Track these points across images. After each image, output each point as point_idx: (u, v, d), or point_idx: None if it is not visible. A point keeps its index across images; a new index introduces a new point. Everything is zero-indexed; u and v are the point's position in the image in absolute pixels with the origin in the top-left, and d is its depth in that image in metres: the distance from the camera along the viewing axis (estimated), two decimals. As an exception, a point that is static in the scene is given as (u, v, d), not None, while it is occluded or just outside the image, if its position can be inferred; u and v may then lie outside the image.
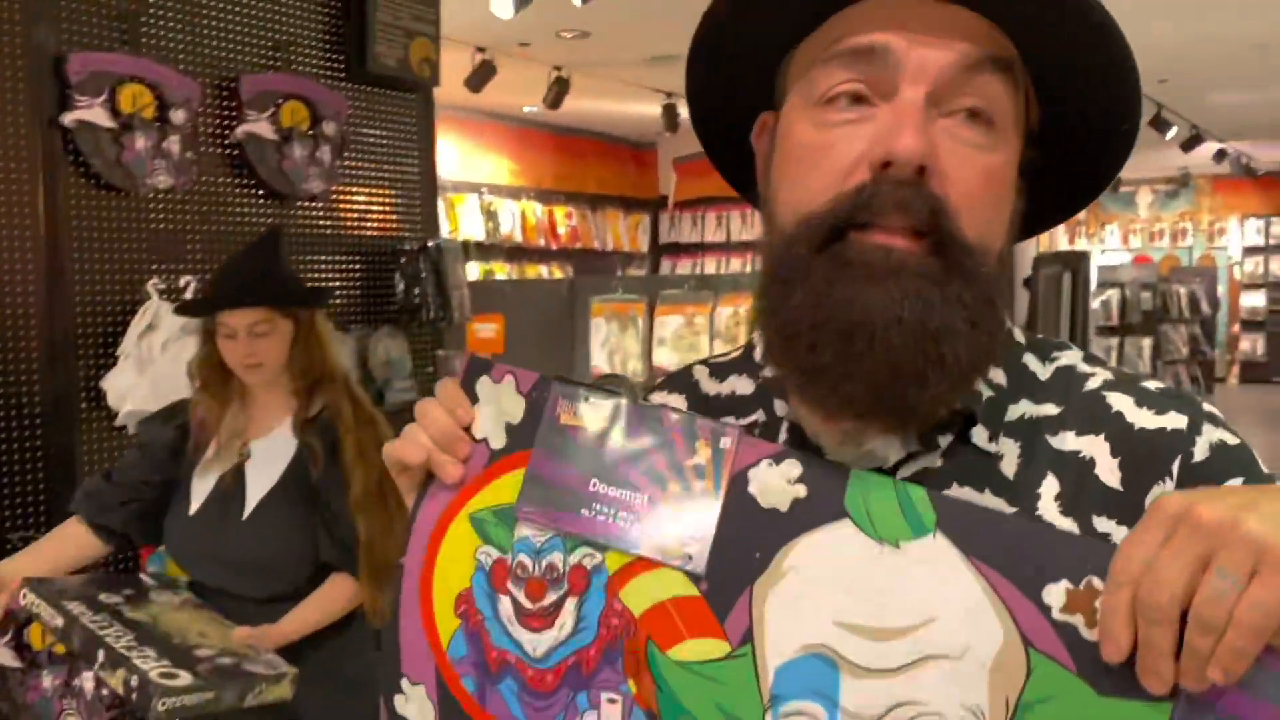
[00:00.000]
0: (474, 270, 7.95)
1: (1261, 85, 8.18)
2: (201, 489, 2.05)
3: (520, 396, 0.77)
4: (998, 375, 0.78)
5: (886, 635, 0.66)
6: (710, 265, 9.95)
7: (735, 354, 0.92)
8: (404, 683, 0.81)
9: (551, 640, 0.74)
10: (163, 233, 2.65)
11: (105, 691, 1.68)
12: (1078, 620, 0.63)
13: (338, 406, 2.07)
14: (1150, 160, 11.21)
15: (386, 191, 3.21)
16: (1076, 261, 8.16)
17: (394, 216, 3.23)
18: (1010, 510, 0.74)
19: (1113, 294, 9.17)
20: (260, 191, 2.84)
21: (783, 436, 0.79)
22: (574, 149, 9.66)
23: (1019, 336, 0.81)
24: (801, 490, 0.70)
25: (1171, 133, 8.62)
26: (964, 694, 0.64)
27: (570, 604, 0.74)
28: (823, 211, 0.71)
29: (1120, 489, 0.73)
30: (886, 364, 0.68)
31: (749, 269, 8.37)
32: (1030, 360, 0.80)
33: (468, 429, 0.77)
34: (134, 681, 1.60)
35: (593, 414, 0.75)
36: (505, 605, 0.76)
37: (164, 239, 2.65)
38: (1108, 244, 13.40)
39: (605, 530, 0.73)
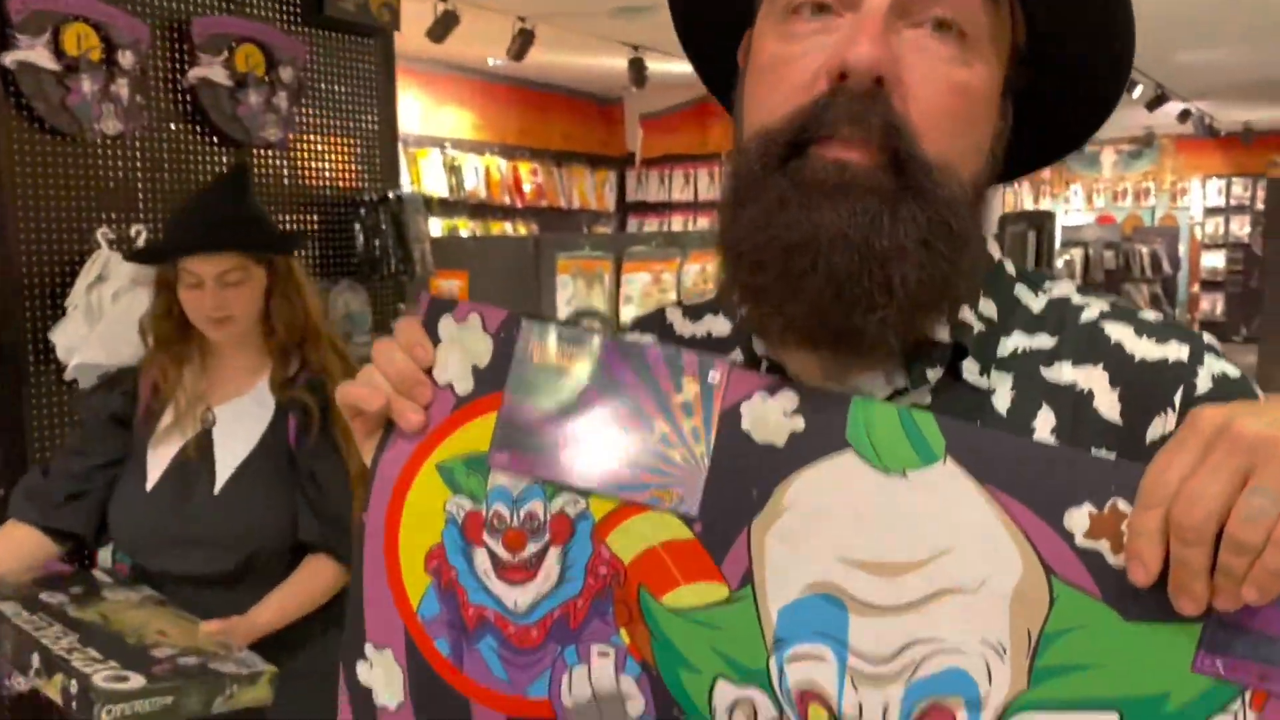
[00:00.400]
0: (437, 227, 7.83)
1: (1228, 43, 8.19)
2: (158, 462, 1.81)
3: (487, 336, 0.71)
4: (988, 308, 0.74)
5: (896, 570, 0.62)
6: (677, 224, 9.87)
7: (711, 295, 0.87)
8: (368, 648, 0.75)
9: (535, 593, 0.70)
10: (112, 181, 2.56)
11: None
12: (1102, 545, 0.59)
13: (325, 364, 1.85)
14: (1115, 120, 11.22)
15: (346, 141, 3.12)
16: (1042, 220, 8.20)
17: (354, 167, 3.15)
18: None
19: (1076, 253, 9.23)
20: (214, 139, 2.75)
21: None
22: (539, 104, 9.52)
23: (1010, 269, 0.77)
24: (799, 423, 0.65)
25: (1137, 91, 8.63)
26: (983, 628, 0.61)
27: (554, 554, 0.69)
28: (780, 126, 0.67)
29: (1119, 422, 0.70)
30: (829, 285, 0.64)
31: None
32: (1022, 292, 0.76)
33: (429, 372, 0.72)
34: (73, 688, 1.36)
35: (569, 352, 0.69)
36: (481, 559, 0.71)
37: (113, 187, 2.56)
38: (1072, 204, 13.46)
39: (588, 475, 0.68)
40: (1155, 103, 9.27)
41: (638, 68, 7.52)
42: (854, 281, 0.64)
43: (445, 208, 8.42)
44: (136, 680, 1.38)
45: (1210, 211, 13.04)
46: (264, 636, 1.72)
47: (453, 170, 8.60)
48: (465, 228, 8.55)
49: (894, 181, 0.65)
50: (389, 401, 0.71)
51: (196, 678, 1.45)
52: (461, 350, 0.72)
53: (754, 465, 0.66)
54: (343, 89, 3.11)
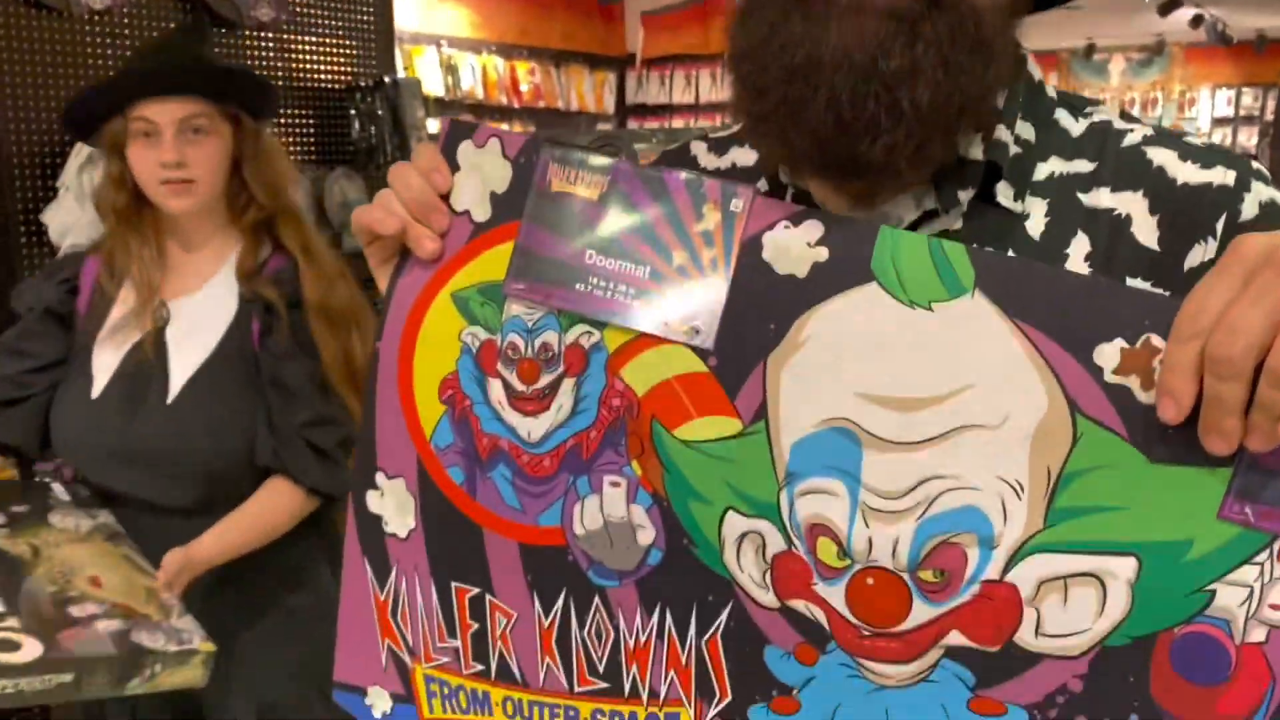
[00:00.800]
0: (433, 127, 7.72)
1: (1245, -55, 7.97)
2: (106, 365, 1.56)
3: (507, 161, 0.70)
4: (1026, 130, 0.72)
5: (915, 406, 0.61)
6: (678, 128, 9.73)
7: (737, 127, 0.85)
8: (379, 477, 0.76)
9: (548, 424, 0.70)
10: (100, 58, 2.49)
11: None
12: (1132, 382, 0.58)
13: (298, 250, 1.60)
14: (1126, 26, 11.01)
15: (340, 25, 3.04)
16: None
17: (349, 52, 3.07)
18: None
19: (1081, 162, 9.08)
20: (205, 17, 2.67)
21: None
22: (538, 1, 9.29)
23: (1051, 92, 0.74)
24: (823, 253, 0.63)
25: (1150, -6, 8.43)
26: (1001, 465, 0.60)
27: (567, 385, 0.69)
28: None
29: (1157, 249, 0.67)
30: (830, 111, 0.61)
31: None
32: (1062, 116, 0.74)
33: (447, 199, 0.71)
34: None
35: (588, 178, 0.68)
36: (496, 389, 0.71)
37: (101, 65, 2.49)
38: (1078, 113, 13.26)
39: (603, 305, 0.67)
40: (1167, 7, 9.06)
41: (639, -37, 7.31)
42: (857, 107, 0.61)
43: (441, 107, 8.28)
44: (31, 650, 1.13)
45: (1218, 122, 12.85)
46: (249, 568, 1.54)
47: (449, 69, 8.43)
48: (462, 128, 8.41)
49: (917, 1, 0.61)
50: (405, 227, 0.70)
51: (105, 656, 1.19)
52: (480, 176, 0.70)
53: (773, 297, 0.64)
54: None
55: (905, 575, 0.62)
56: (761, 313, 0.64)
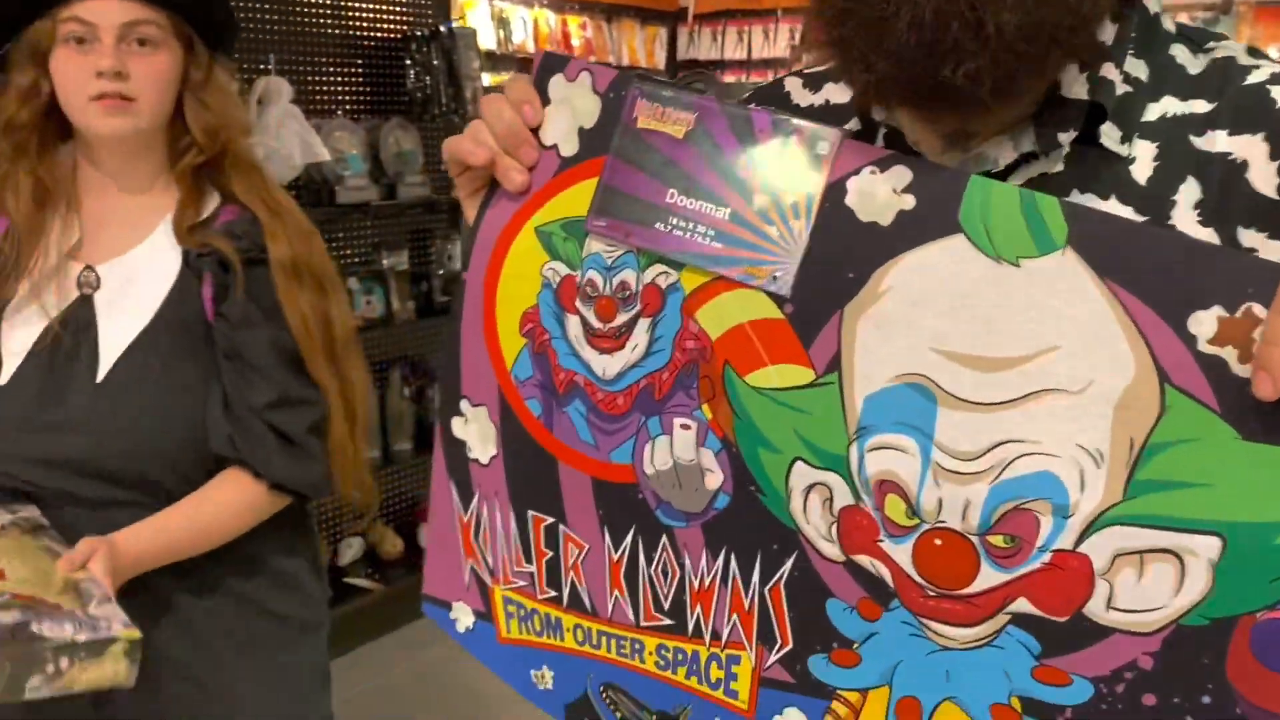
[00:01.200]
0: (485, 81, 7.69)
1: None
2: (18, 343, 1.26)
3: (596, 96, 0.70)
4: (1137, 68, 0.68)
5: (995, 365, 0.59)
6: (729, 83, 9.62)
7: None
8: (464, 404, 0.77)
9: (623, 362, 0.70)
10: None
11: None
12: (1228, 353, 0.55)
13: (257, 203, 1.32)
14: (1193, -16, 10.70)
15: (396, -27, 3.03)
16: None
17: (404, 3, 3.06)
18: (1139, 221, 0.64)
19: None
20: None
21: (878, 145, 0.71)
22: (590, -46, 9.19)
23: (1169, 25, 0.70)
24: (909, 201, 0.61)
25: (1221, -50, 8.16)
26: (1081, 433, 0.58)
27: (643, 324, 0.69)
28: None
29: (1275, 197, 0.63)
30: (912, 31, 0.59)
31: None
32: (1179, 52, 0.69)
33: (537, 133, 0.71)
34: None
35: (675, 116, 0.67)
36: (574, 325, 0.71)
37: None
38: (1140, 74, 12.95)
39: (682, 246, 0.66)
40: (1238, -36, 8.77)
41: (694, -85, 7.19)
42: (940, 27, 0.58)
43: (493, 61, 8.25)
44: None
45: (1286, 84, 12.48)
46: (214, 564, 1.30)
47: (501, 23, 8.40)
48: (513, 83, 8.39)
49: None
50: (494, 159, 0.70)
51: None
52: (570, 110, 0.70)
53: (855, 245, 0.62)
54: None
55: (974, 538, 0.61)
56: (841, 261, 0.63)
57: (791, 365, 0.64)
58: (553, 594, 0.77)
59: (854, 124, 0.75)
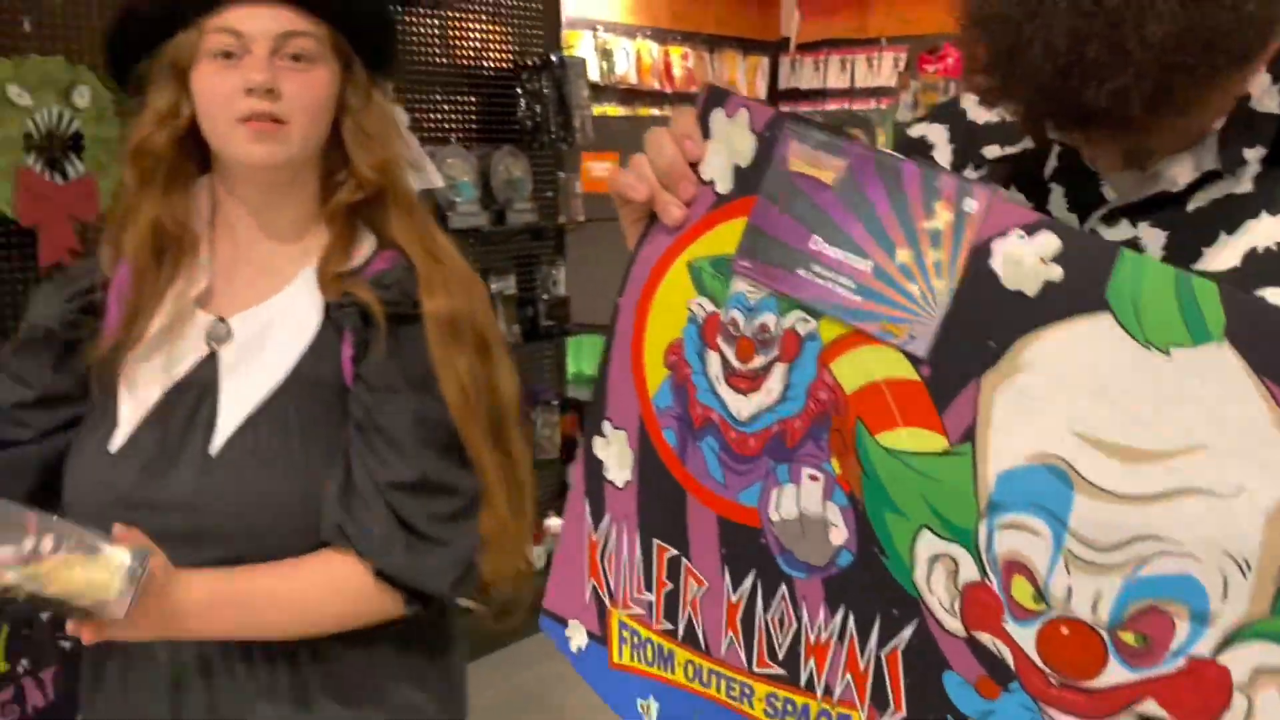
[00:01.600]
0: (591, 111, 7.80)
1: None
2: (134, 406, 1.11)
3: (752, 135, 0.70)
4: None
5: (1138, 457, 0.57)
6: (832, 110, 9.58)
7: None
8: (606, 425, 0.78)
9: (757, 405, 0.69)
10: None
11: None
12: None
13: (415, 247, 1.14)
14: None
15: (509, 5, 3.09)
16: None
17: (516, 33, 3.12)
18: None
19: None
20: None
21: (1052, 164, 0.69)
22: (694, -15, 9.29)
23: None
24: (1056, 272, 0.59)
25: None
26: (1228, 540, 0.55)
27: (779, 369, 0.68)
28: None
29: None
30: (1046, 58, 0.57)
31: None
32: None
33: (697, 167, 0.71)
34: None
35: (826, 161, 0.66)
36: (714, 362, 0.71)
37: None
38: None
39: (822, 295, 0.66)
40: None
41: (799, -55, 7.21)
42: (1074, 49, 0.56)
43: (595, 92, 8.37)
44: None
45: None
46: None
47: (604, 54, 8.51)
48: (615, 114, 8.49)
49: None
50: (653, 194, 0.71)
51: None
52: (727, 147, 0.70)
53: (997, 312, 0.60)
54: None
55: (1103, 632, 0.59)
56: (983, 327, 0.61)
57: (925, 430, 0.63)
58: (669, 626, 0.76)
59: (1027, 142, 0.73)
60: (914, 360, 0.63)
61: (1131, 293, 0.57)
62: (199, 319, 1.13)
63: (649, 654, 0.77)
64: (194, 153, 1.14)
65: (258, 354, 1.11)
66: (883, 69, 9.23)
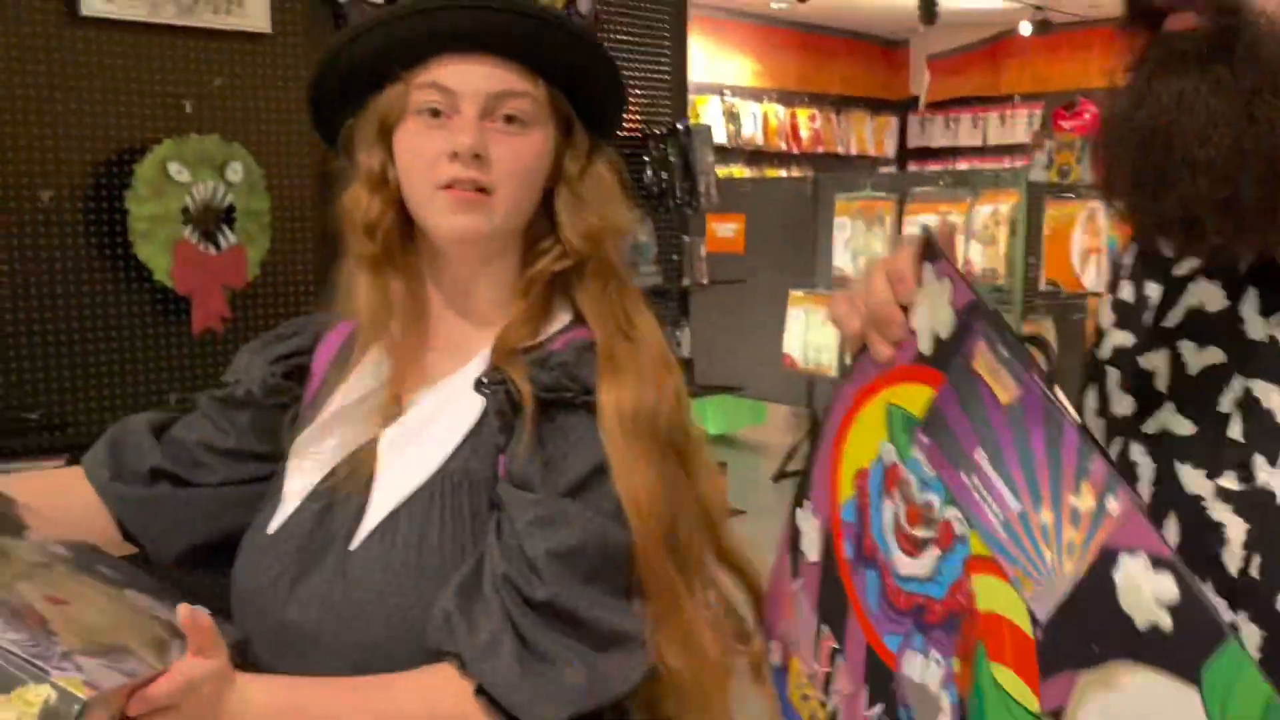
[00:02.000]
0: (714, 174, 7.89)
1: None
2: (299, 485, 1.01)
3: (952, 310, 0.70)
4: None
5: None
6: (962, 169, 9.46)
7: None
8: (807, 504, 0.82)
9: (912, 570, 0.72)
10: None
11: None
12: None
13: (610, 323, 0.99)
14: None
15: (639, 74, 3.17)
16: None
17: (645, 101, 3.19)
18: None
19: None
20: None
21: (1246, 262, 0.68)
22: (820, 47, 9.35)
23: None
24: (1165, 620, 0.57)
25: None
26: None
27: (935, 552, 0.70)
28: None
29: None
30: (1122, 165, 0.61)
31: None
32: None
33: (906, 309, 0.73)
34: None
35: (1005, 378, 0.66)
36: (889, 509, 0.74)
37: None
38: None
39: (976, 510, 0.67)
40: None
41: (928, 5, 7.20)
42: (1143, 160, 0.60)
43: (721, 154, 8.47)
44: None
45: None
46: None
47: (731, 117, 8.62)
48: (741, 174, 8.56)
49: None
50: (864, 331, 0.74)
51: None
52: (931, 310, 0.72)
53: (1106, 623, 0.60)
54: (635, 34, 3.15)
55: None
56: (1092, 628, 0.61)
57: (1026, 685, 0.64)
58: (823, 699, 0.80)
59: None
60: (1033, 618, 0.64)
61: (1224, 685, 0.56)
62: (374, 397, 1.01)
63: (809, 709, 0.82)
64: (405, 216, 1.01)
65: (420, 437, 0.98)
66: (1016, 126, 9.08)
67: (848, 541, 0.77)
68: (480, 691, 0.87)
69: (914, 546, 0.72)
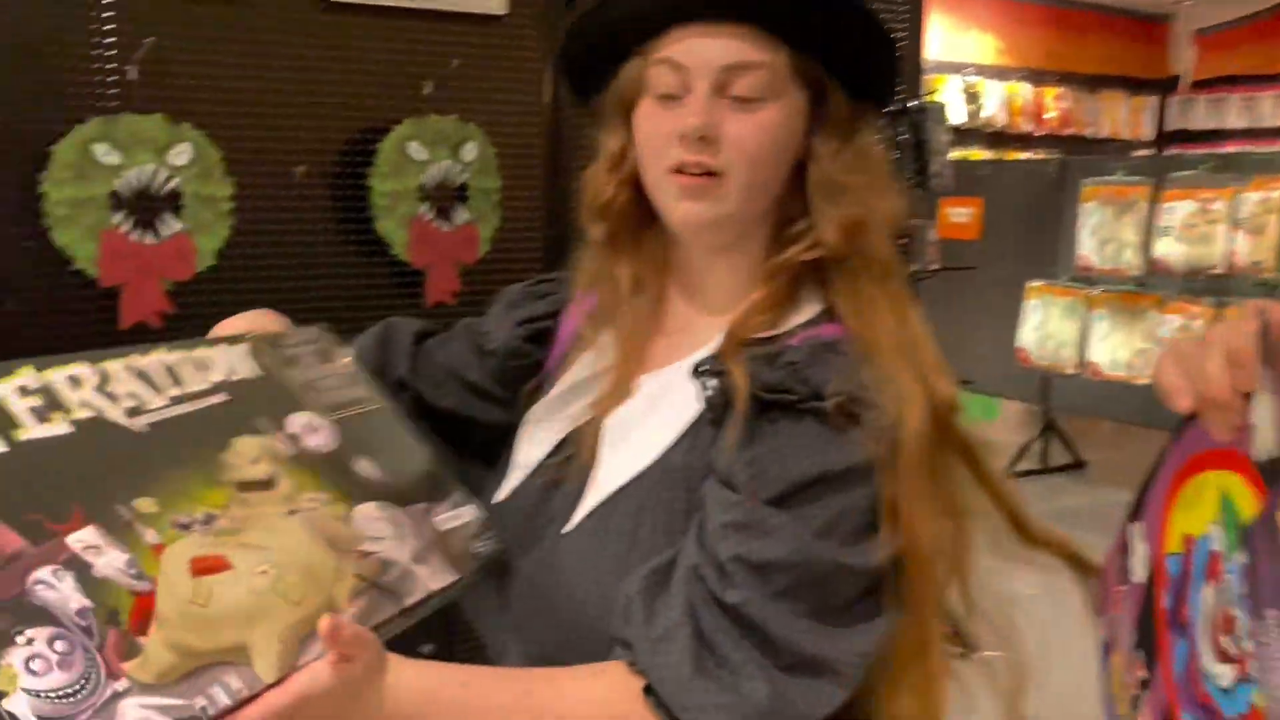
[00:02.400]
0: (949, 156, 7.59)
1: None
2: (528, 455, 1.00)
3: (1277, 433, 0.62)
4: None
5: None
6: (1229, 153, 8.72)
7: None
8: (1139, 525, 0.75)
9: (1216, 675, 0.66)
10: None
11: None
12: None
13: (867, 319, 0.90)
14: None
15: (870, 52, 3.08)
16: None
17: (876, 79, 3.10)
18: None
19: None
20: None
21: None
22: (1071, 23, 8.81)
23: None
24: None
25: None
26: None
27: (1231, 672, 0.64)
28: None
29: None
30: None
31: None
32: None
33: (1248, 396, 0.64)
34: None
35: None
36: (1209, 595, 0.66)
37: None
38: None
39: (1261, 670, 0.61)
40: None
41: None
42: None
43: (959, 136, 8.13)
44: None
45: None
46: None
47: (971, 97, 8.27)
48: (978, 157, 8.21)
49: None
50: (1200, 408, 0.65)
51: None
52: (1270, 418, 0.62)
53: None
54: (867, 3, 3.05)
55: None
56: None
57: None
58: (1132, 714, 0.76)
59: None
60: None
61: None
62: (604, 378, 0.98)
63: (1124, 707, 0.77)
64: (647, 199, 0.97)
65: (639, 426, 0.94)
66: (1294, 104, 8.23)
67: (1168, 594, 0.70)
68: (649, 691, 0.81)
69: (1222, 653, 0.65)
